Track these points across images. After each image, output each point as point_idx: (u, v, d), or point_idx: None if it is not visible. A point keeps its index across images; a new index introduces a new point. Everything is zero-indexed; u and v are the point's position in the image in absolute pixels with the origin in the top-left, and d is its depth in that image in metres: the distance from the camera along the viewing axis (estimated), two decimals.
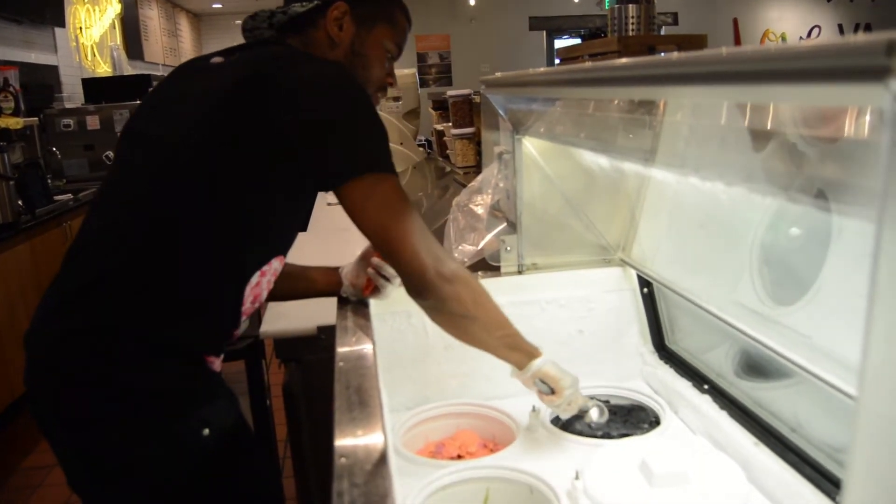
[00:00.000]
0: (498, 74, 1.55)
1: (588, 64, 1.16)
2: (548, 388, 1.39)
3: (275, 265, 1.38)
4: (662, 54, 2.09)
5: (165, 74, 1.43)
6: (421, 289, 1.27)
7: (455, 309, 1.29)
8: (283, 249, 1.41)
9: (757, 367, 1.38)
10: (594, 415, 1.45)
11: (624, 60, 0.97)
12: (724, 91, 0.79)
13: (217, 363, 1.35)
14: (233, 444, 1.32)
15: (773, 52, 0.62)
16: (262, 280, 1.36)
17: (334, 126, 1.24)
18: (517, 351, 1.38)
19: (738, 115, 1.19)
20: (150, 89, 1.46)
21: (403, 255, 1.26)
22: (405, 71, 4.69)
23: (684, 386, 1.53)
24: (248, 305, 1.35)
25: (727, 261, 1.37)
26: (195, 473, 1.27)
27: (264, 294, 1.40)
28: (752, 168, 1.25)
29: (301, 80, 1.26)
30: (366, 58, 1.44)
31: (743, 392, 1.41)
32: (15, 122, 4.77)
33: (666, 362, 1.66)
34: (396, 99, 4.44)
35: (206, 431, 1.26)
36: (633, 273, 1.72)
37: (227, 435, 1.31)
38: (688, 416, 1.49)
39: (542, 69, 1.43)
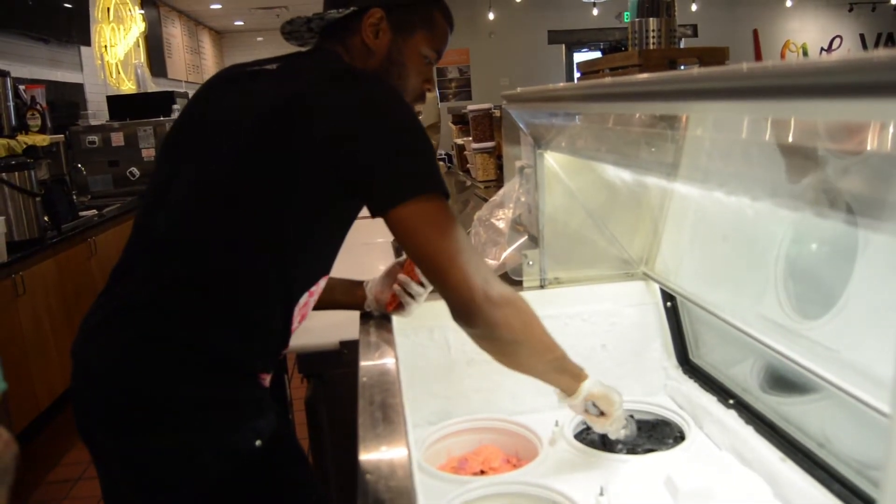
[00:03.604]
0: (519, 89, 1.56)
1: (610, 79, 1.17)
2: (597, 411, 1.38)
3: (321, 284, 1.39)
4: (683, 67, 2.08)
5: (189, 91, 1.42)
6: (469, 316, 1.22)
7: (505, 335, 1.25)
8: (329, 268, 1.42)
9: (783, 381, 1.36)
10: (631, 429, 1.44)
11: (647, 76, 0.97)
12: (750, 107, 0.79)
13: (267, 380, 1.35)
14: (284, 455, 1.33)
15: (797, 67, 0.62)
16: (310, 300, 1.37)
17: (380, 150, 1.21)
18: (565, 374, 1.36)
19: (761, 129, 1.19)
20: (194, 96, 1.42)
21: (450, 280, 1.20)
22: None
23: (709, 401, 1.52)
24: (296, 325, 1.36)
25: (751, 274, 1.36)
26: (248, 484, 1.27)
27: (310, 311, 1.41)
28: (775, 181, 1.25)
29: (343, 103, 1.23)
30: (403, 66, 1.40)
31: (769, 407, 1.39)
32: (42, 140, 4.84)
33: (690, 377, 1.65)
34: (417, 113, 4.46)
35: (259, 443, 1.26)
36: (657, 287, 1.71)
37: (279, 446, 1.31)
38: (713, 431, 1.47)
39: (563, 84, 1.43)
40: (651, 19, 2.14)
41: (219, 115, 1.32)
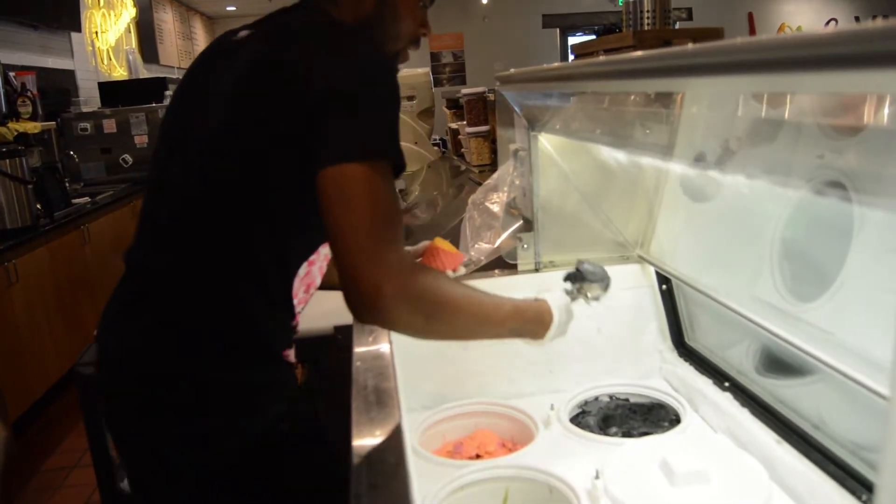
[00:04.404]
0: (512, 70, 1.54)
1: (603, 58, 1.15)
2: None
3: (324, 252, 1.35)
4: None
5: (180, 77, 1.39)
6: (361, 312, 1.09)
7: (408, 332, 1.17)
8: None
9: (779, 363, 1.36)
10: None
11: (641, 53, 0.95)
12: (743, 81, 0.78)
13: (291, 354, 1.33)
14: (308, 438, 1.33)
15: (793, 39, 0.61)
16: (312, 268, 1.34)
17: (344, 102, 1.12)
18: (523, 332, 1.32)
19: (756, 107, 1.18)
20: (186, 73, 1.39)
21: (358, 266, 1.07)
22: (419, 70, 4.68)
23: (705, 383, 1.52)
24: (302, 295, 1.33)
25: (747, 256, 1.35)
26: (271, 467, 1.26)
27: (317, 281, 1.38)
28: (770, 161, 1.24)
29: (316, 61, 1.17)
30: (396, 9, 1.33)
31: (764, 389, 1.39)
32: (33, 127, 4.80)
33: (685, 360, 1.64)
34: (410, 98, 4.44)
35: (284, 426, 1.26)
36: (652, 270, 1.70)
37: (303, 429, 1.31)
38: (708, 414, 1.47)
39: (556, 64, 1.42)
40: (645, 0, 2.13)
41: (206, 89, 1.30)
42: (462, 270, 1.61)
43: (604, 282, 1.45)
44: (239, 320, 1.25)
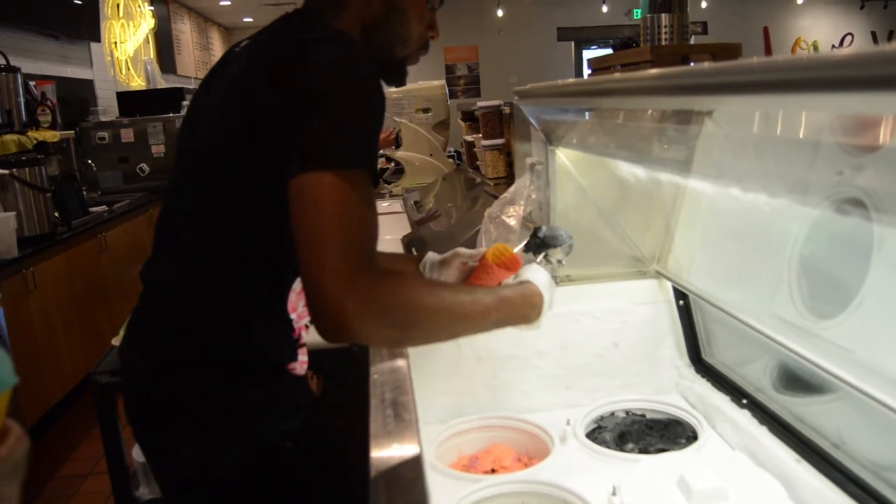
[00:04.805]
0: (530, 85, 1.54)
1: (623, 74, 1.15)
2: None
3: None
4: (692, 64, 2.07)
5: (197, 88, 1.40)
6: (332, 330, 1.03)
7: (384, 344, 1.16)
8: None
9: (798, 381, 1.35)
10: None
11: (661, 70, 0.96)
12: (767, 101, 0.78)
13: (298, 367, 1.31)
14: (316, 456, 1.32)
15: (817, 60, 0.61)
16: None
17: (319, 108, 1.08)
18: (510, 321, 1.25)
19: (775, 125, 1.18)
20: (199, 86, 1.40)
21: (325, 284, 1.01)
22: (434, 83, 4.69)
23: (722, 400, 1.51)
24: (301, 309, 1.32)
25: (765, 272, 1.34)
26: (278, 485, 1.26)
27: None
28: (789, 178, 1.24)
29: (294, 57, 1.14)
30: (404, 13, 1.30)
31: (783, 407, 1.38)
32: (52, 136, 4.85)
33: (703, 376, 1.63)
34: (426, 110, 4.45)
35: (290, 444, 1.26)
36: (669, 285, 1.70)
37: (311, 447, 1.30)
38: (726, 431, 1.46)
39: (575, 79, 1.42)
40: (663, 15, 2.12)
41: (206, 100, 1.30)
42: None
43: (566, 244, 1.39)
44: (235, 335, 1.25)
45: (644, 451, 1.46)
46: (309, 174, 1.04)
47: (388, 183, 4.75)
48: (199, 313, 1.25)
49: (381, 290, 1.03)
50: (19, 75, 4.58)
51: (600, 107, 1.38)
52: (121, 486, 2.11)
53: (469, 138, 4.23)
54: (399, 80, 1.39)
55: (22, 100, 4.59)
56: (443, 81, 4.85)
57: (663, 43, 2.10)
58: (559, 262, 1.39)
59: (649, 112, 1.34)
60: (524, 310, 1.26)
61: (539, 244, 1.39)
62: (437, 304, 1.13)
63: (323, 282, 1.00)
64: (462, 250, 1.45)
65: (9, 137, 4.29)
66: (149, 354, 1.28)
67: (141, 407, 1.30)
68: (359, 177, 1.06)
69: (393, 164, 4.79)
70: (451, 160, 4.84)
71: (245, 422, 1.24)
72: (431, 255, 1.48)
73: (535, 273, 1.32)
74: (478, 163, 3.91)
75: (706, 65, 0.81)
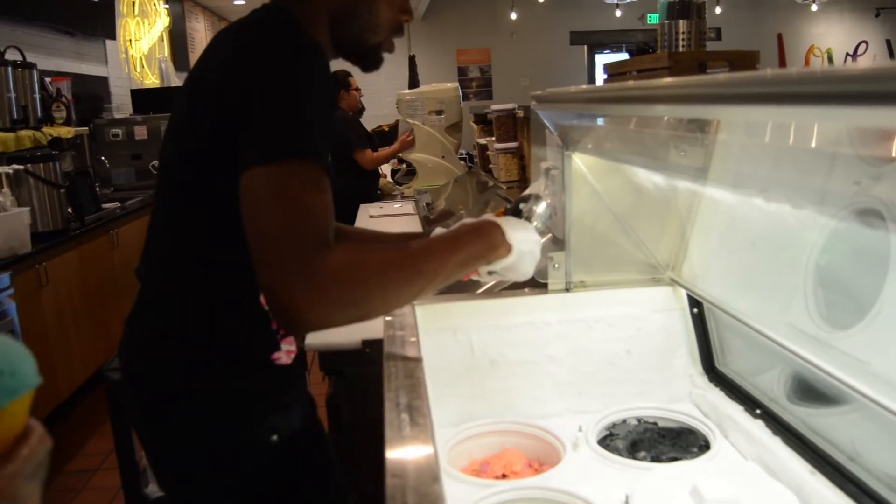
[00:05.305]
0: (548, 90, 1.54)
1: (645, 82, 1.15)
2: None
3: None
4: (708, 71, 2.06)
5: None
6: (290, 322, 1.03)
7: (351, 318, 1.07)
8: None
9: (812, 391, 1.34)
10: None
11: (685, 79, 0.95)
12: (790, 112, 0.77)
13: (283, 356, 1.31)
14: (303, 450, 1.33)
15: (840, 73, 0.61)
16: None
17: (243, 96, 1.07)
18: (477, 257, 1.23)
19: (793, 134, 1.17)
20: None
21: (273, 280, 1.00)
22: (448, 85, 4.70)
23: (735, 410, 1.50)
24: None
25: (780, 282, 1.33)
26: (267, 480, 1.27)
27: None
28: (806, 187, 1.23)
29: (230, 52, 1.15)
30: (371, 0, 1.28)
31: (797, 418, 1.37)
32: (66, 132, 4.87)
33: (716, 385, 1.62)
34: (439, 112, 4.45)
35: (275, 437, 1.27)
36: (683, 292, 1.69)
37: (298, 441, 1.31)
38: (739, 441, 1.45)
39: (594, 86, 1.42)
40: (681, 21, 2.11)
41: (179, 96, 1.30)
42: None
43: (541, 201, 1.38)
44: (210, 328, 1.26)
45: (656, 459, 1.46)
46: (249, 170, 1.04)
47: (400, 184, 4.76)
48: (176, 309, 1.27)
49: (329, 275, 0.99)
50: (35, 71, 4.60)
51: (621, 114, 1.38)
52: (130, 482, 2.11)
53: (482, 141, 4.22)
54: (374, 66, 1.37)
55: (37, 96, 4.61)
56: (456, 84, 4.85)
57: (681, 49, 2.10)
58: (541, 218, 1.37)
59: (666, 118, 1.33)
60: (486, 239, 1.24)
61: (514, 208, 1.38)
62: (390, 266, 1.09)
63: (270, 279, 1.00)
64: (468, 219, 1.44)
65: (24, 133, 4.31)
66: (134, 350, 1.31)
67: (132, 402, 1.32)
68: (298, 166, 1.04)
69: (405, 166, 4.80)
70: (462, 162, 4.84)
71: (230, 414, 1.26)
72: (438, 230, 1.46)
73: (507, 219, 1.31)
74: (491, 166, 3.91)
75: (738, 74, 0.80)
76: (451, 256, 1.17)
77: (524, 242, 1.29)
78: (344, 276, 1.01)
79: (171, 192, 1.28)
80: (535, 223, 1.36)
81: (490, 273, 1.32)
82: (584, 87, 1.38)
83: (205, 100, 1.18)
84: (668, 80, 1.04)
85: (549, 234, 1.36)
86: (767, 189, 1.31)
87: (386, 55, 1.37)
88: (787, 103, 0.69)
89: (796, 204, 1.26)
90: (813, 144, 1.14)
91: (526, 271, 1.33)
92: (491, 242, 1.26)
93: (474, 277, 1.35)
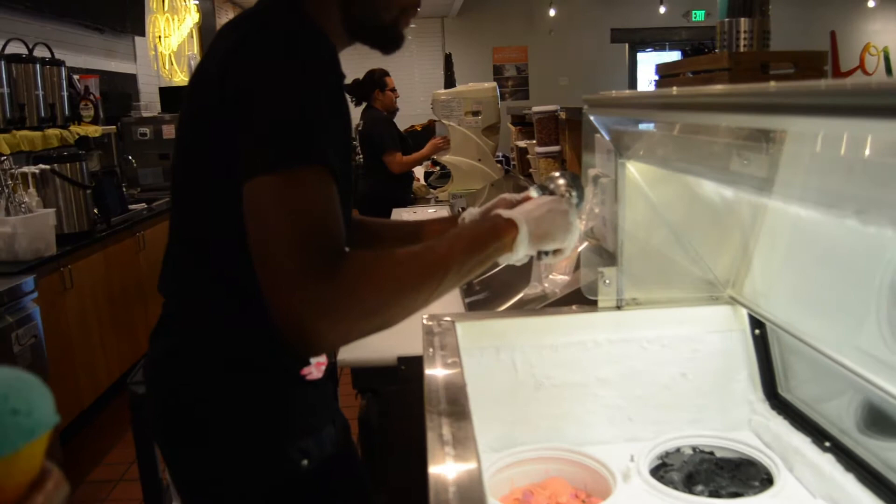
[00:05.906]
0: (603, 94, 1.44)
1: (721, 87, 1.05)
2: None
3: None
4: (772, 73, 1.95)
5: None
6: (297, 344, 0.98)
7: (365, 333, 1.03)
8: None
9: (886, 422, 1.24)
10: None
11: (763, 85, 0.85)
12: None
13: (313, 370, 1.25)
14: (335, 475, 1.28)
15: None
16: None
17: (249, 100, 1.01)
18: (489, 254, 1.18)
19: (866, 145, 1.07)
20: None
21: (280, 299, 0.96)
22: (485, 85, 4.58)
23: (801, 441, 1.39)
24: None
25: (851, 302, 1.25)
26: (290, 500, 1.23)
27: None
28: (881, 202, 1.13)
29: (228, 50, 1.09)
30: None
31: (870, 452, 1.27)
32: (94, 130, 4.84)
33: (779, 413, 1.52)
34: (476, 114, 4.34)
35: (305, 462, 1.21)
36: (744, 312, 1.58)
37: (330, 466, 1.26)
38: (806, 475, 1.34)
39: (658, 91, 1.32)
40: (742, 19, 1.99)
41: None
42: None
43: (566, 178, 1.38)
44: (234, 346, 1.20)
45: (715, 493, 1.36)
46: (252, 180, 0.99)
47: (434, 188, 4.66)
48: (198, 326, 1.22)
49: (337, 293, 0.95)
50: (63, 69, 4.57)
51: (682, 122, 1.28)
52: (153, 499, 2.05)
53: (522, 144, 4.09)
54: (394, 46, 1.30)
55: (65, 94, 4.58)
56: (494, 84, 4.71)
57: (742, 49, 1.98)
58: (570, 193, 1.37)
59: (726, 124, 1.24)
60: (497, 234, 1.19)
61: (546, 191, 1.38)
62: (400, 272, 1.04)
63: (279, 299, 0.95)
64: (507, 195, 1.39)
65: (51, 132, 4.27)
66: (158, 368, 1.26)
67: (156, 421, 1.27)
68: (304, 173, 0.98)
69: (438, 169, 4.70)
70: (499, 165, 4.73)
71: (258, 436, 1.20)
72: (471, 211, 1.41)
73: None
74: (531, 170, 3.78)
75: (837, 82, 0.70)
76: (458, 258, 1.12)
77: (534, 210, 1.24)
78: (354, 292, 0.97)
79: (181, 197, 1.25)
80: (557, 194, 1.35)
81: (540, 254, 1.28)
82: (646, 91, 1.29)
83: (205, 98, 1.12)
84: (745, 86, 0.93)
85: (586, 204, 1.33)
86: (838, 202, 1.21)
87: (418, 51, 1.31)
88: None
89: (869, 219, 1.17)
90: (887, 157, 1.05)
91: (554, 231, 1.27)
92: (506, 237, 1.20)
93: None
